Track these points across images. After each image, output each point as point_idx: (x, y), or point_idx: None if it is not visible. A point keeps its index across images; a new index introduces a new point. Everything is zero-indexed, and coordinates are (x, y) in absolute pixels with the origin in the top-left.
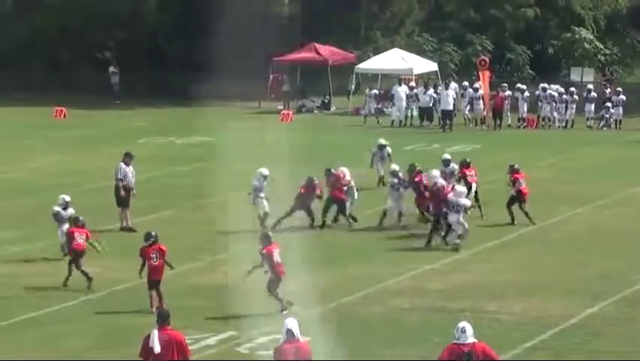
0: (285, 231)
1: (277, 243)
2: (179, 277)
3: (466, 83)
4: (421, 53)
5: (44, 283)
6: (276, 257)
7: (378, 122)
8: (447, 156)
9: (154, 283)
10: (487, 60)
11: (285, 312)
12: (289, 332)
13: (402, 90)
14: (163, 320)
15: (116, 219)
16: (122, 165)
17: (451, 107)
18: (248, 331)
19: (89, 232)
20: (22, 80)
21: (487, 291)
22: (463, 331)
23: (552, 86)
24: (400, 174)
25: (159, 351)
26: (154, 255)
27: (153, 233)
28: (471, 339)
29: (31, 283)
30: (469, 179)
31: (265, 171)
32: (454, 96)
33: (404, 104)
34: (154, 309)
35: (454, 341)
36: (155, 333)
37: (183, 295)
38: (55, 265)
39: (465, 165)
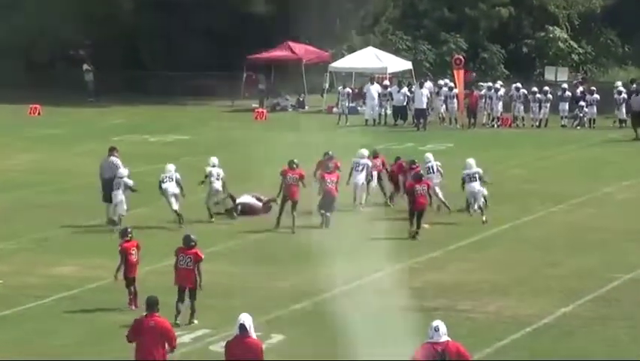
0: (252, 231)
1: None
2: (154, 274)
3: (442, 82)
4: (396, 51)
5: (17, 283)
6: None
7: (346, 121)
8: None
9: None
10: (462, 59)
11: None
12: (242, 327)
13: (374, 89)
14: (151, 306)
15: (97, 215)
16: (112, 159)
17: (424, 106)
18: (222, 328)
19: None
20: None
21: (462, 290)
22: (437, 330)
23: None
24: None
25: None
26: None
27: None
28: (444, 338)
29: (5, 281)
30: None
31: (214, 159)
32: (429, 95)
33: (376, 102)
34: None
35: (428, 340)
36: None
37: (158, 292)
38: (30, 264)
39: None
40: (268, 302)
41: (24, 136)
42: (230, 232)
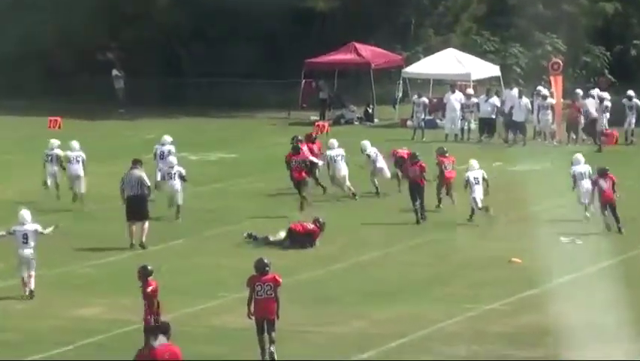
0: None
1: None
2: (194, 317)
3: (540, 89)
4: (481, 54)
5: (34, 326)
6: None
7: (422, 136)
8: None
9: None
10: (561, 63)
11: None
12: None
13: (455, 98)
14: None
15: (124, 243)
16: (136, 172)
17: (523, 119)
18: None
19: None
20: (14, 86)
21: (567, 335)
22: None
23: None
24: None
25: None
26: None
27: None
28: None
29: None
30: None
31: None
32: (528, 106)
33: (458, 114)
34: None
35: None
36: None
37: (198, 339)
38: (48, 303)
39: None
40: (327, 350)
41: (41, 152)
42: (285, 267)
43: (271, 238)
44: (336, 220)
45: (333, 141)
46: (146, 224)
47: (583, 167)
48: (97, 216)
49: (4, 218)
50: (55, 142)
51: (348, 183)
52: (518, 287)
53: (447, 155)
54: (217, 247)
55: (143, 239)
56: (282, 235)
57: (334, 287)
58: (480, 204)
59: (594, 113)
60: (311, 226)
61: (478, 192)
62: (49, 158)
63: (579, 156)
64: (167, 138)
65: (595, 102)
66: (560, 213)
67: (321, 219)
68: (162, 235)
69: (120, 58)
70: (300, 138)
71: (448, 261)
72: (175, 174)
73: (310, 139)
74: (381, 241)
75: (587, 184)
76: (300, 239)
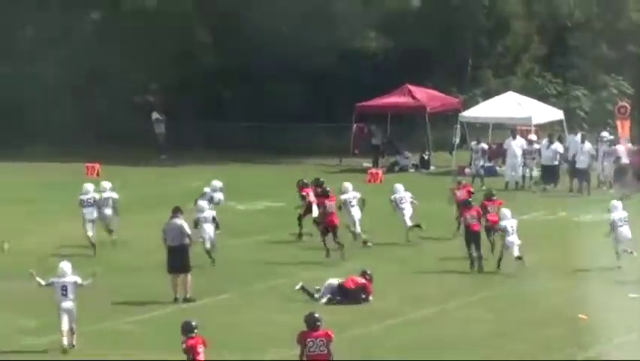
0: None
1: None
2: None
3: (604, 134)
4: (542, 97)
5: None
6: None
7: (481, 184)
8: None
9: None
10: (628, 106)
11: None
12: None
13: (517, 144)
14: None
15: (166, 297)
16: (177, 222)
17: (586, 165)
18: None
19: None
20: (49, 129)
21: None
22: None
23: None
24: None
25: None
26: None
27: (317, 315)
28: None
29: None
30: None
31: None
32: (592, 152)
33: (519, 161)
34: None
35: None
36: None
37: None
38: None
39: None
40: None
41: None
42: (337, 322)
43: (322, 301)
44: (384, 271)
45: (348, 185)
46: (189, 276)
47: (620, 213)
48: (136, 268)
49: (42, 270)
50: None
51: (359, 228)
52: (588, 344)
53: (494, 198)
54: (266, 301)
55: (188, 294)
56: (334, 283)
57: (388, 344)
58: (517, 253)
59: None
60: (361, 281)
61: (514, 241)
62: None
63: (616, 203)
64: (217, 184)
65: None
66: (628, 268)
67: (369, 272)
68: (208, 289)
69: (161, 100)
70: (305, 180)
71: (509, 316)
72: (206, 218)
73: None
74: (436, 295)
75: (625, 231)
76: (352, 295)
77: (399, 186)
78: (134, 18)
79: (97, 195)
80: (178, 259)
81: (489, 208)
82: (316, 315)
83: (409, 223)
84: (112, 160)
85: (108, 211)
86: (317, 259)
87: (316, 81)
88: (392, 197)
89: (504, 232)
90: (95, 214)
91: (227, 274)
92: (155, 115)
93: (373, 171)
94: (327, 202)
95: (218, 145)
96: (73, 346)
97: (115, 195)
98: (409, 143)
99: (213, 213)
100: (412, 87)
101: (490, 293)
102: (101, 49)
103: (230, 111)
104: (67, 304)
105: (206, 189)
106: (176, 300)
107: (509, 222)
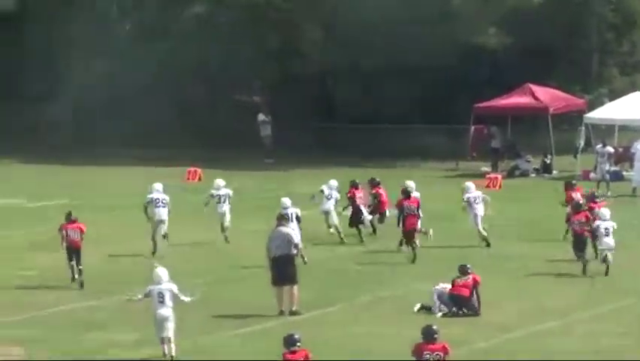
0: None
1: None
2: None
3: None
4: None
5: None
6: None
7: (607, 189)
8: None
9: None
10: None
11: None
12: None
13: None
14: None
15: (270, 310)
16: (283, 230)
17: None
18: None
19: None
20: (145, 130)
21: None
22: None
23: None
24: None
25: None
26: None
27: (435, 327)
28: None
29: None
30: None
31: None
32: None
33: None
34: None
35: None
36: None
37: None
38: None
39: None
40: None
41: (179, 209)
42: (454, 335)
43: (438, 315)
44: (500, 280)
45: (470, 184)
46: (295, 288)
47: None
48: (238, 279)
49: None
50: (220, 182)
51: (480, 225)
52: None
53: (598, 200)
54: (377, 313)
55: (294, 307)
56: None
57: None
58: (611, 260)
59: None
60: (469, 280)
61: (610, 243)
62: (219, 198)
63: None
64: (333, 183)
65: None
66: None
67: (468, 265)
68: (315, 302)
69: (267, 100)
70: (357, 181)
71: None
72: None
73: (354, 185)
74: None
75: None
76: (465, 303)
77: (471, 185)
78: (240, 10)
79: (230, 191)
80: (283, 269)
81: (595, 211)
82: (434, 327)
83: (481, 226)
84: (214, 164)
85: (225, 208)
86: (422, 269)
87: (430, 80)
88: (465, 196)
89: (595, 231)
90: (226, 208)
91: (335, 284)
92: (261, 117)
93: (492, 175)
94: (406, 203)
95: (327, 148)
96: (172, 357)
97: (231, 192)
98: (530, 146)
99: (297, 210)
100: (534, 87)
101: (617, 305)
102: (202, 44)
103: (338, 111)
104: (165, 311)
105: (324, 187)
106: (281, 313)
107: (606, 223)
